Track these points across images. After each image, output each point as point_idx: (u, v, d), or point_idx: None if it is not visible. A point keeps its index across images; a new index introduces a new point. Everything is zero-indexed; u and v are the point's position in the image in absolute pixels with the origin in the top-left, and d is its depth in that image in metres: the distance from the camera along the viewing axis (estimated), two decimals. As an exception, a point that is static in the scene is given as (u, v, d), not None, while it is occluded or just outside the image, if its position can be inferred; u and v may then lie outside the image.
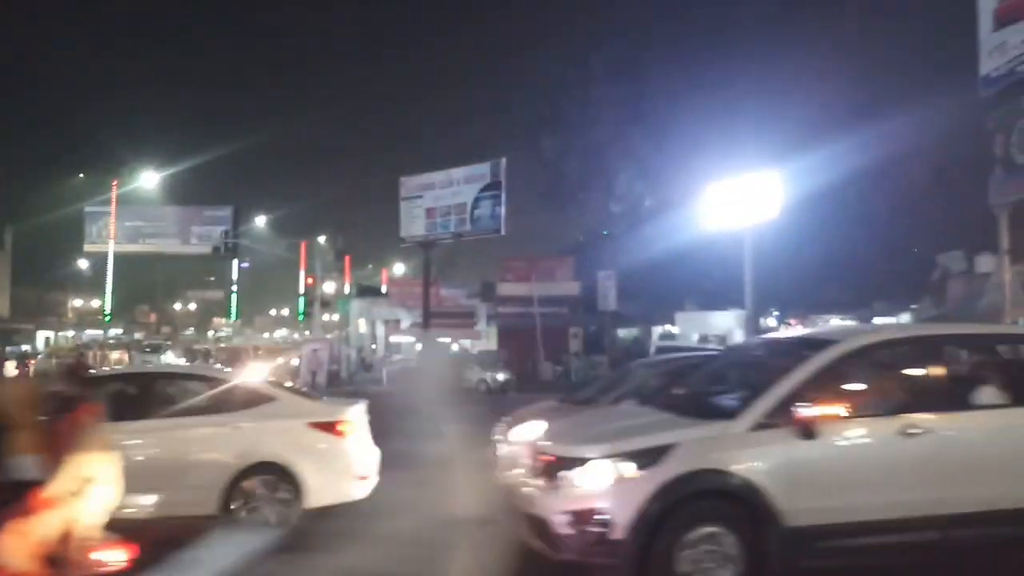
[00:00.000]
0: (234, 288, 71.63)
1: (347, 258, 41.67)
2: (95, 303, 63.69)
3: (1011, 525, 5.73)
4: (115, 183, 44.58)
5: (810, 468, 5.51)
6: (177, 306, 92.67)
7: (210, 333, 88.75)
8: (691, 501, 5.41)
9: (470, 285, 45.17)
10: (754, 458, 5.45)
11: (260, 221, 52.02)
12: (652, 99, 27.27)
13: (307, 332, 52.81)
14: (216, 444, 7.60)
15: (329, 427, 7.78)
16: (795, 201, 21.94)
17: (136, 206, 47.65)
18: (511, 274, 38.17)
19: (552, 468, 5.68)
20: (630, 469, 5.36)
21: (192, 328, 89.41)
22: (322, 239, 46.72)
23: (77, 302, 73.11)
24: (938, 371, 6.41)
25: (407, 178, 36.18)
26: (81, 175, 54.10)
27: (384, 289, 47.24)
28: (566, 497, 5.50)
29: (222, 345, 59.07)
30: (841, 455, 5.63)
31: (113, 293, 45.86)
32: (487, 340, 38.40)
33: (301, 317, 49.92)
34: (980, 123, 21.51)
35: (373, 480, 8.08)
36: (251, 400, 7.86)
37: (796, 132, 24.58)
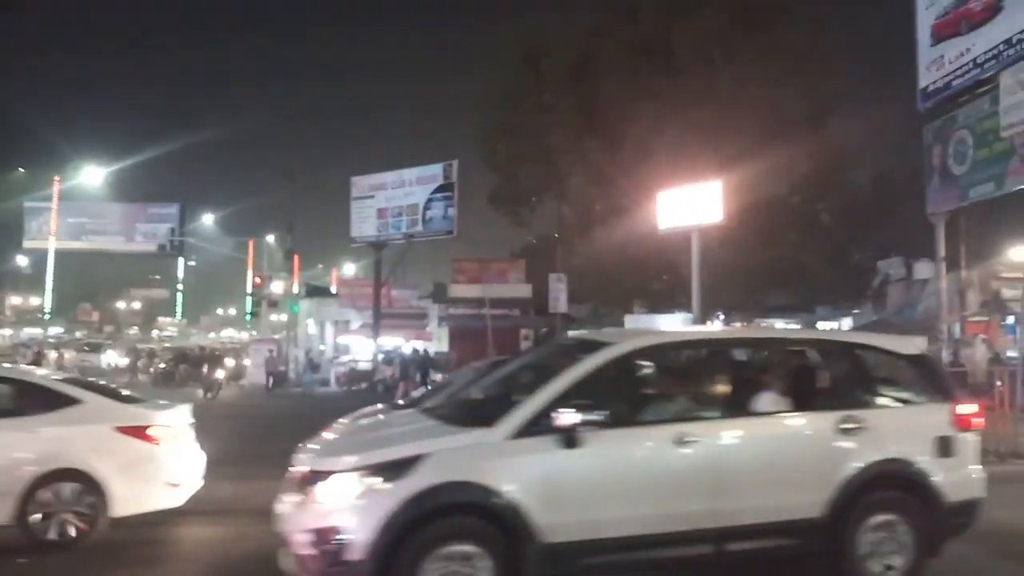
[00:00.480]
0: (180, 287, 70.40)
1: (296, 257, 41.11)
2: (35, 301, 61.99)
3: (790, 536, 5.52)
4: (57, 179, 43.47)
5: (572, 479, 5.11)
6: (121, 305, 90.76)
7: (155, 332, 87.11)
8: (437, 517, 4.94)
9: (421, 286, 45.04)
10: (510, 469, 5.01)
11: (208, 219, 51.30)
12: (604, 105, 27.46)
13: (254, 332, 52.09)
14: (9, 450, 7.13)
15: (139, 432, 7.42)
16: (742, 207, 22.32)
17: (79, 202, 46.53)
18: (463, 275, 38.11)
19: (304, 482, 5.23)
20: (375, 483, 4.90)
21: (136, 327, 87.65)
22: (271, 238, 46.21)
23: (16, 300, 71.13)
24: (719, 376, 6.10)
25: (358, 178, 35.97)
26: (21, 170, 52.75)
27: (334, 289, 46.81)
28: (309, 513, 5.05)
29: (167, 345, 57.99)
30: (607, 465, 5.23)
31: (54, 291, 44.72)
32: (438, 342, 38.33)
33: (248, 317, 49.26)
34: (919, 135, 22.14)
35: (191, 487, 7.82)
36: (53, 403, 7.42)
37: (744, 140, 25.01)
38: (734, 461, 5.47)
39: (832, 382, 6.31)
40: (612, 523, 5.12)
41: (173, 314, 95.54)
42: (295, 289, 41.62)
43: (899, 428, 5.96)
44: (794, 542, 5.52)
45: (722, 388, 5.98)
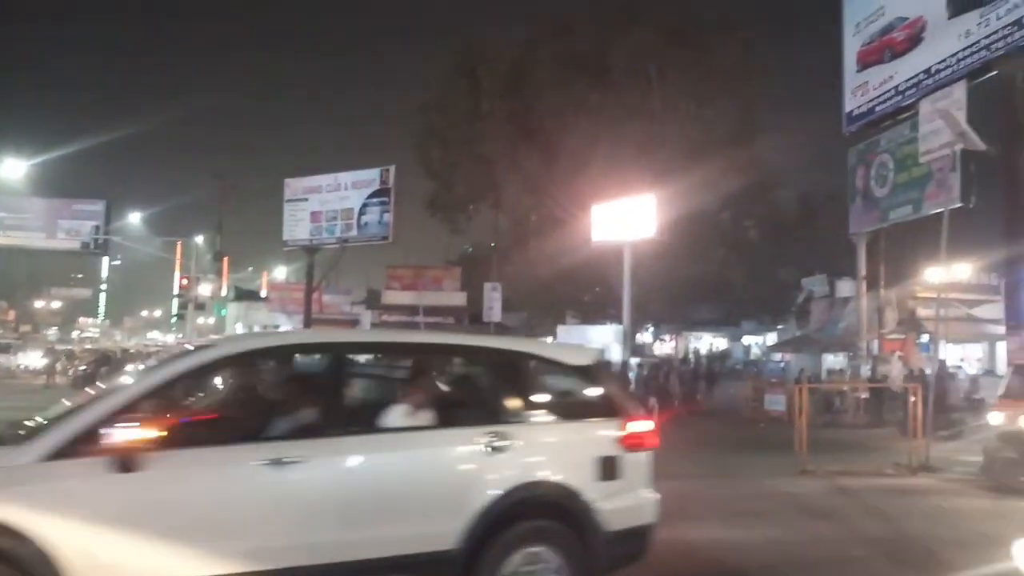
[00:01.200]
0: (103, 287, 68.20)
1: (225, 259, 40.21)
2: (-55, 298, 59.44)
3: (414, 573, 4.71)
4: (-27, 171, 41.70)
5: (125, 511, 4.18)
6: (39, 304, 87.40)
7: (75, 333, 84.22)
8: None
9: (355, 292, 44.61)
10: (33, 498, 4.02)
11: (134, 218, 49.75)
12: (540, 116, 27.66)
13: (180, 335, 50.76)
14: None
15: None
16: (672, 222, 22.75)
17: (-3, 196, 44.70)
18: (397, 282, 37.89)
19: None
20: None
21: (55, 327, 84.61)
22: (199, 239, 45.12)
23: (-75, 296, 68.00)
24: (344, 387, 5.30)
25: (292, 180, 35.42)
26: (-65, 160, 50.32)
27: (264, 293, 45.99)
28: None
29: (88, 346, 56.08)
30: (176, 493, 4.34)
31: (-33, 288, 42.78)
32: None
33: (174, 320, 47.99)
34: (843, 156, 22.90)
35: None
36: None
37: (675, 155, 25.50)
38: (345, 485, 4.69)
39: (481, 394, 5.57)
40: (176, 564, 4.21)
41: (95, 315, 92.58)
42: (224, 292, 40.75)
43: (554, 447, 5.23)
44: None
45: (347, 400, 5.22)
